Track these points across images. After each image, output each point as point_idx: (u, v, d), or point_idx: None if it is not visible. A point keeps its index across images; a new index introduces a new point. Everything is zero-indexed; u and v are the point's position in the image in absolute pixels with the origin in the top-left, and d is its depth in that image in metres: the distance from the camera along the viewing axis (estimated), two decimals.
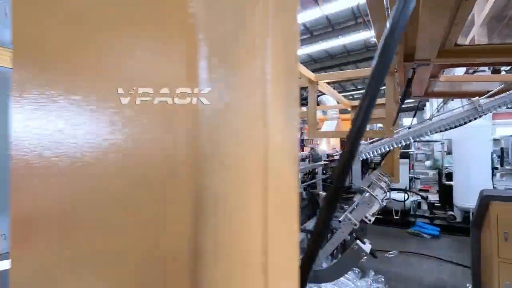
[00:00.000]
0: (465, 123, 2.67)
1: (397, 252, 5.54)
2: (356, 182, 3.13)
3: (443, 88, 3.66)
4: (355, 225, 1.42)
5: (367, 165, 3.27)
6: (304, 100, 5.90)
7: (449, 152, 14.58)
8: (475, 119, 2.62)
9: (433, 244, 6.17)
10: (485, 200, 3.55)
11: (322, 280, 1.31)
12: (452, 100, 12.50)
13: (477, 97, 2.65)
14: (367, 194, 1.41)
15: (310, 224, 2.53)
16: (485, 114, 2.56)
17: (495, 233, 3.47)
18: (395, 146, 2.87)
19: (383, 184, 2.03)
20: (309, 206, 2.80)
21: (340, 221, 1.45)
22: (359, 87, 28.19)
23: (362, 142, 3.80)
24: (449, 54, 2.31)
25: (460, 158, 6.78)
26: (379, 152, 3.06)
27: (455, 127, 2.72)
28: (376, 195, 1.40)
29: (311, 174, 2.89)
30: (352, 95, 30.09)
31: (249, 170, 0.28)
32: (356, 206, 1.46)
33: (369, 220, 1.38)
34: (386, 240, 6.28)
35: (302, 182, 2.62)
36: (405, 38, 2.29)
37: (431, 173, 14.58)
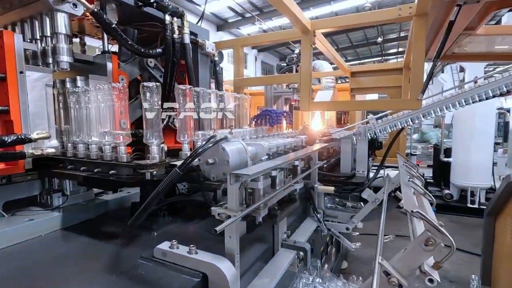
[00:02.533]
0: None
1: (393, 236, 5.08)
2: (360, 169, 2.42)
3: (474, 48, 2.90)
4: (401, 286, 0.70)
5: (374, 146, 2.56)
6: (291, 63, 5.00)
7: (437, 126, 14.23)
8: None
9: None
10: (511, 186, 2.94)
11: None
12: (442, 72, 11.76)
13: None
14: (420, 223, 0.67)
15: (303, 233, 1.83)
16: None
17: None
18: (415, 122, 2.14)
19: (418, 183, 1.33)
20: (301, 203, 2.09)
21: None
22: (348, 58, 27.15)
23: (369, 116, 3.08)
24: None
25: (461, 133, 6.22)
26: (394, 129, 2.34)
27: (500, 95, 2.00)
28: (442, 225, 0.66)
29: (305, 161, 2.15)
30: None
31: None
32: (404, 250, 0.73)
33: (431, 281, 0.66)
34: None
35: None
36: None
37: (420, 146, 14.37)
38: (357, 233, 5.50)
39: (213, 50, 2.34)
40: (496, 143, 6.32)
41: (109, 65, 1.70)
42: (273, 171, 1.38)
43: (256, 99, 6.10)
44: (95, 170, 1.36)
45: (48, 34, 1.53)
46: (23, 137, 1.24)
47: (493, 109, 5.84)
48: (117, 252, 1.19)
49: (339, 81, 9.34)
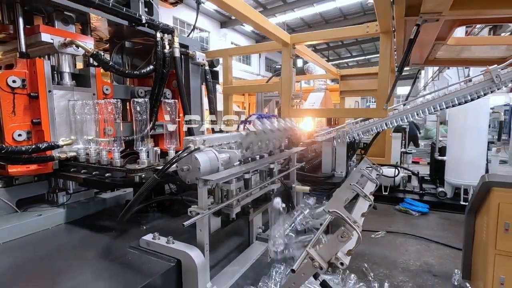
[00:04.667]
0: (479, 97, 2.12)
1: (384, 232, 5.26)
2: (339, 169, 2.62)
3: (449, 54, 3.05)
4: (321, 268, 0.91)
5: (353, 148, 2.75)
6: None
7: (442, 122, 14.24)
8: (491, 92, 2.06)
9: (421, 222, 5.92)
10: (486, 185, 3.10)
11: None
12: (448, 68, 11.72)
13: (495, 66, 2.06)
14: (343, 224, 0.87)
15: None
16: (505, 86, 2.00)
17: (494, 223, 3.06)
18: (388, 127, 2.33)
19: (369, 186, 1.52)
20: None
21: (293, 270, 0.95)
22: (354, 53, 27.05)
23: (347, 121, 3.26)
24: (469, 4, 1.68)
25: (455, 131, 6.33)
26: (371, 133, 2.53)
27: (465, 102, 2.17)
28: (355, 222, 0.87)
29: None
30: (347, 63, 28.94)
31: None
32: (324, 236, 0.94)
33: (341, 264, 0.87)
34: (373, 218, 6.02)
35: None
36: None
37: (422, 143, 14.39)
38: None
39: (203, 60, 2.55)
40: (491, 142, 6.40)
41: (93, 78, 1.89)
42: (246, 174, 1.59)
43: (254, 99, 6.31)
44: (93, 173, 1.59)
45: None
46: (52, 144, 1.54)
47: (486, 107, 5.91)
48: (110, 243, 1.42)
49: (333, 82, 9.44)
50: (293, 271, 1.01)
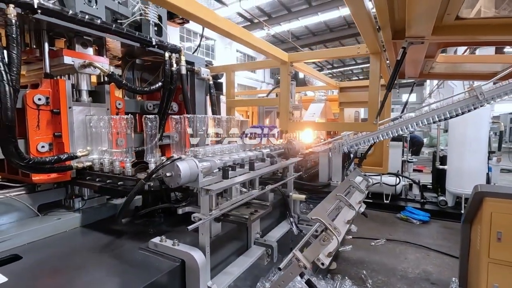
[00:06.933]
0: (463, 113, 2.26)
1: (384, 240, 5.34)
2: (335, 179, 2.76)
3: (442, 69, 3.19)
4: (305, 267, 1.05)
5: (349, 158, 2.89)
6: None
7: (446, 130, 14.25)
8: (475, 108, 2.20)
9: (422, 231, 5.97)
10: (479, 195, 3.21)
11: None
12: None
13: (479, 84, 2.20)
14: (323, 228, 1.02)
15: (276, 234, 2.19)
16: (488, 103, 2.14)
17: (487, 232, 3.16)
18: (379, 139, 2.47)
19: (356, 196, 1.66)
20: (280, 208, 2.45)
21: (279, 268, 1.09)
22: (359, 61, 27.20)
23: (343, 133, 3.41)
24: (448, 30, 1.83)
25: (455, 140, 6.42)
26: (367, 144, 2.67)
27: (451, 117, 2.30)
28: (335, 228, 1.01)
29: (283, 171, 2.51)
30: (351, 69, 29.00)
31: None
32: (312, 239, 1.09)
33: (322, 264, 1.01)
34: (374, 226, 6.09)
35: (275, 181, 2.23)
36: (391, 11, 1.79)
37: (427, 151, 14.40)
38: (350, 237, 5.79)
39: (207, 75, 2.74)
40: (491, 152, 6.46)
41: (107, 94, 2.08)
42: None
43: (257, 109, 6.50)
44: (107, 181, 1.76)
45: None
46: (72, 155, 1.72)
47: (486, 117, 6.00)
48: (122, 244, 1.58)
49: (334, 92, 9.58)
50: (279, 269, 1.16)
